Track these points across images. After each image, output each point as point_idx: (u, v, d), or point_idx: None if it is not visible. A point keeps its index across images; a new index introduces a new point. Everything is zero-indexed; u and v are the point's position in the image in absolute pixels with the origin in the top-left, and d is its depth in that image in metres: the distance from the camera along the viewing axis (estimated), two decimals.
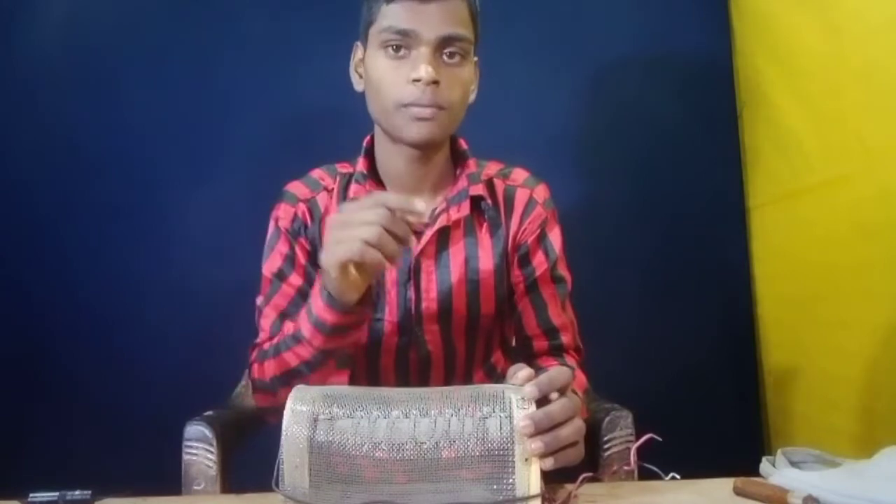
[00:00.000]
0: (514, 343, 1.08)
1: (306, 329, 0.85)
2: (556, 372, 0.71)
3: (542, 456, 0.64)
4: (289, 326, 0.91)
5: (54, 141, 1.50)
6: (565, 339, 1.04)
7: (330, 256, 0.78)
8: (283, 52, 1.53)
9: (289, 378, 0.89)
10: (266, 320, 1.00)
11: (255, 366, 0.97)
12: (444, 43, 0.91)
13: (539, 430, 0.65)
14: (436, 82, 0.90)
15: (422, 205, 0.77)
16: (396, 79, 0.91)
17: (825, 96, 1.28)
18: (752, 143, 1.54)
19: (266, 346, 0.96)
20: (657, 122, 1.56)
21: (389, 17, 0.91)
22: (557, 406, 0.68)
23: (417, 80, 0.90)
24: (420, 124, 0.92)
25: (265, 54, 1.53)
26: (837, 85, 1.24)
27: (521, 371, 0.70)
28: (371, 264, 0.76)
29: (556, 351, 1.04)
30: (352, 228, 0.76)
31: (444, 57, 0.92)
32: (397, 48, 0.91)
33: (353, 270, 0.79)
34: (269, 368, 0.92)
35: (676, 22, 1.57)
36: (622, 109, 1.57)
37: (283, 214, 1.02)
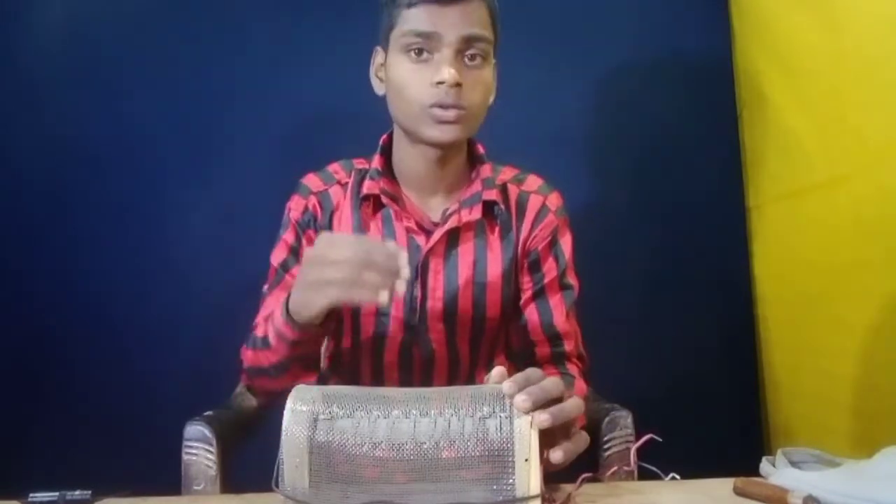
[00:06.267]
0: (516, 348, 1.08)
1: (272, 336, 0.88)
2: (532, 370, 0.68)
3: (547, 425, 0.62)
4: (261, 329, 0.94)
5: (57, 140, 1.50)
6: (568, 346, 1.04)
7: (308, 299, 0.79)
8: (289, 52, 1.53)
9: (260, 373, 0.95)
10: (266, 309, 1.01)
11: (243, 348, 1.00)
12: (465, 44, 0.92)
13: (535, 402, 0.63)
14: (458, 84, 0.90)
15: (404, 259, 0.74)
16: (419, 81, 0.92)
17: (825, 96, 1.27)
18: (752, 143, 1.54)
19: (254, 331, 0.98)
20: (658, 122, 1.56)
21: (411, 21, 0.91)
22: (549, 381, 0.66)
23: (441, 83, 0.90)
24: (443, 127, 0.92)
25: (270, 53, 1.53)
26: (837, 85, 1.24)
27: (495, 370, 0.69)
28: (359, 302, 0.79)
29: (559, 358, 1.04)
30: (324, 267, 0.76)
31: (466, 59, 0.93)
32: (419, 51, 0.92)
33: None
34: (247, 359, 0.98)
35: (677, 22, 1.58)
36: (622, 110, 1.57)
37: (294, 206, 1.03)
